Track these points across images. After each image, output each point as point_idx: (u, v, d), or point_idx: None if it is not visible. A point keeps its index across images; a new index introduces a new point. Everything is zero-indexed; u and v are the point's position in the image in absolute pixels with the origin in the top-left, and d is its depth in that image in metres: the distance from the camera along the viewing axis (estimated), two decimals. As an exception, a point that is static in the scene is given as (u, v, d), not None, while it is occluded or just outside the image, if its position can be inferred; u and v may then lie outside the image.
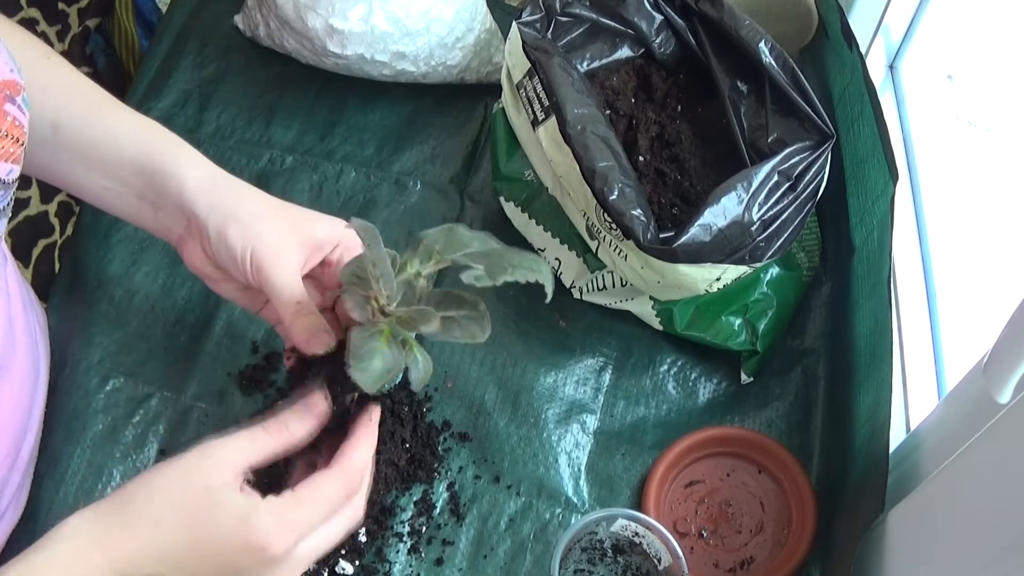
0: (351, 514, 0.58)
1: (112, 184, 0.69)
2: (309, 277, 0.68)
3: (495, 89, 0.92)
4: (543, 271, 0.59)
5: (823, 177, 0.76)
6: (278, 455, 0.56)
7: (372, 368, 0.57)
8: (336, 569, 0.72)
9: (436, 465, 0.78)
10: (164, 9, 1.13)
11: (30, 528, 0.74)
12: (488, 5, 0.96)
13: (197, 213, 0.66)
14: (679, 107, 0.85)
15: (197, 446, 0.55)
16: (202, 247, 0.67)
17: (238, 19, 1.01)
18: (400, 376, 0.62)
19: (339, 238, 0.68)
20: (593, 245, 0.80)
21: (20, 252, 1.02)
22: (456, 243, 0.61)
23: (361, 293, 0.59)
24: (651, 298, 0.81)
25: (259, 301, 0.70)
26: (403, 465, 0.76)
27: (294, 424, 0.57)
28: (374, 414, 0.61)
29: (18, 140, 0.60)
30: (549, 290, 0.59)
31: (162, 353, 0.83)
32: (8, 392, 0.68)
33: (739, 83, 0.81)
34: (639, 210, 0.72)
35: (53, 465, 0.77)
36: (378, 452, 0.75)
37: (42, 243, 1.05)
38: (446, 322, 0.58)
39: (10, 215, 0.65)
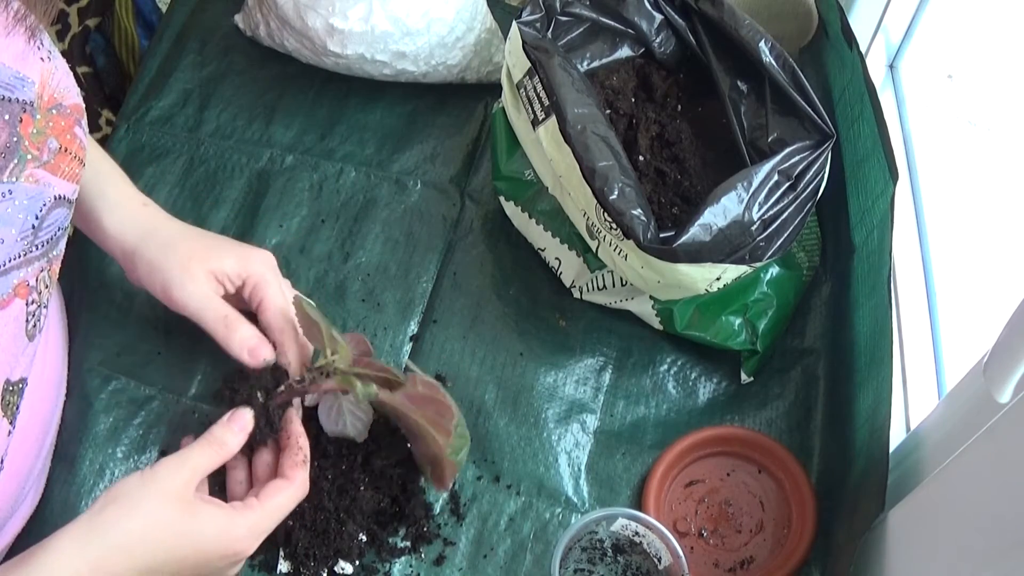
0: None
1: None
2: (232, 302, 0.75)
3: (495, 89, 0.92)
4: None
5: (823, 177, 0.76)
6: (221, 464, 0.66)
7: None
8: (336, 569, 0.72)
9: (436, 465, 0.78)
10: (164, 9, 1.13)
11: (40, 520, 0.75)
12: (488, 5, 0.96)
13: (116, 259, 0.75)
14: (679, 107, 0.85)
15: (160, 462, 0.63)
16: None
17: (238, 19, 1.01)
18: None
19: (247, 273, 0.74)
20: (593, 245, 0.80)
21: (20, 252, 1.02)
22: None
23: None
24: (651, 298, 0.81)
25: None
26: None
27: (229, 440, 0.66)
28: (295, 425, 0.70)
29: (81, 161, 0.64)
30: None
31: (163, 355, 0.83)
32: (42, 379, 0.72)
33: (739, 83, 0.81)
34: (639, 210, 0.72)
35: (56, 463, 0.77)
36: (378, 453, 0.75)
37: (42, 243, 1.05)
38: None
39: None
